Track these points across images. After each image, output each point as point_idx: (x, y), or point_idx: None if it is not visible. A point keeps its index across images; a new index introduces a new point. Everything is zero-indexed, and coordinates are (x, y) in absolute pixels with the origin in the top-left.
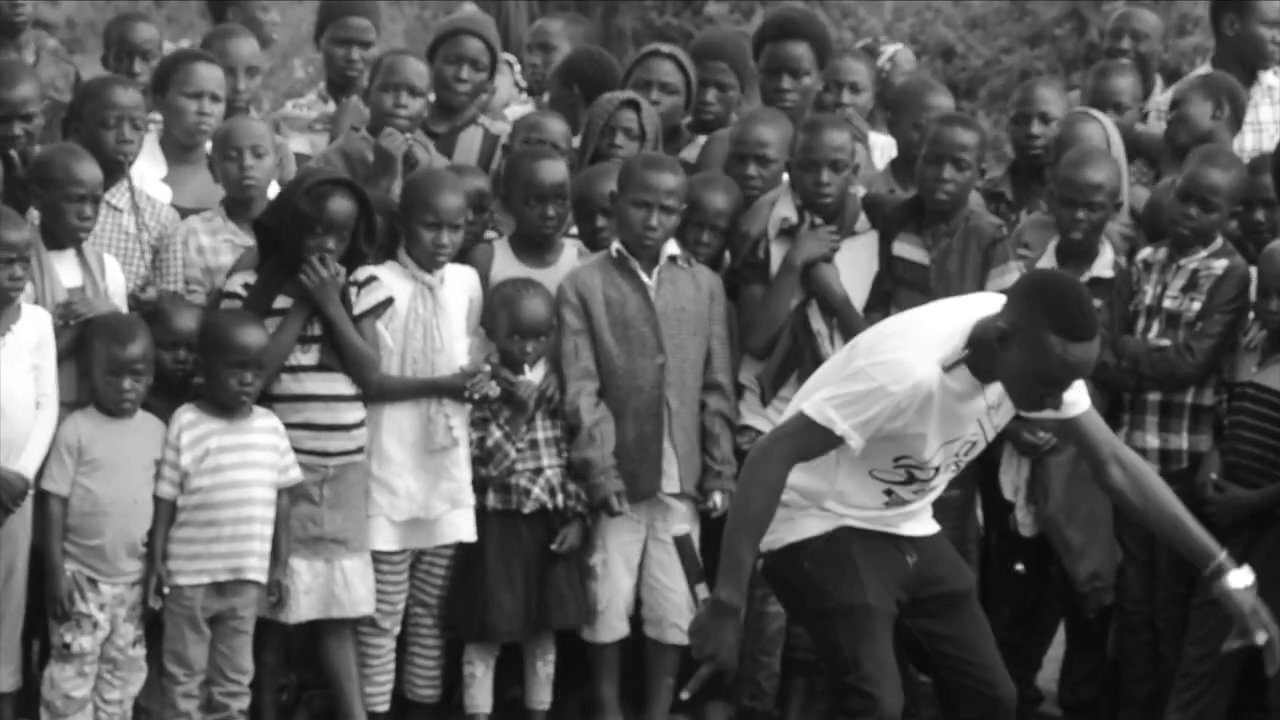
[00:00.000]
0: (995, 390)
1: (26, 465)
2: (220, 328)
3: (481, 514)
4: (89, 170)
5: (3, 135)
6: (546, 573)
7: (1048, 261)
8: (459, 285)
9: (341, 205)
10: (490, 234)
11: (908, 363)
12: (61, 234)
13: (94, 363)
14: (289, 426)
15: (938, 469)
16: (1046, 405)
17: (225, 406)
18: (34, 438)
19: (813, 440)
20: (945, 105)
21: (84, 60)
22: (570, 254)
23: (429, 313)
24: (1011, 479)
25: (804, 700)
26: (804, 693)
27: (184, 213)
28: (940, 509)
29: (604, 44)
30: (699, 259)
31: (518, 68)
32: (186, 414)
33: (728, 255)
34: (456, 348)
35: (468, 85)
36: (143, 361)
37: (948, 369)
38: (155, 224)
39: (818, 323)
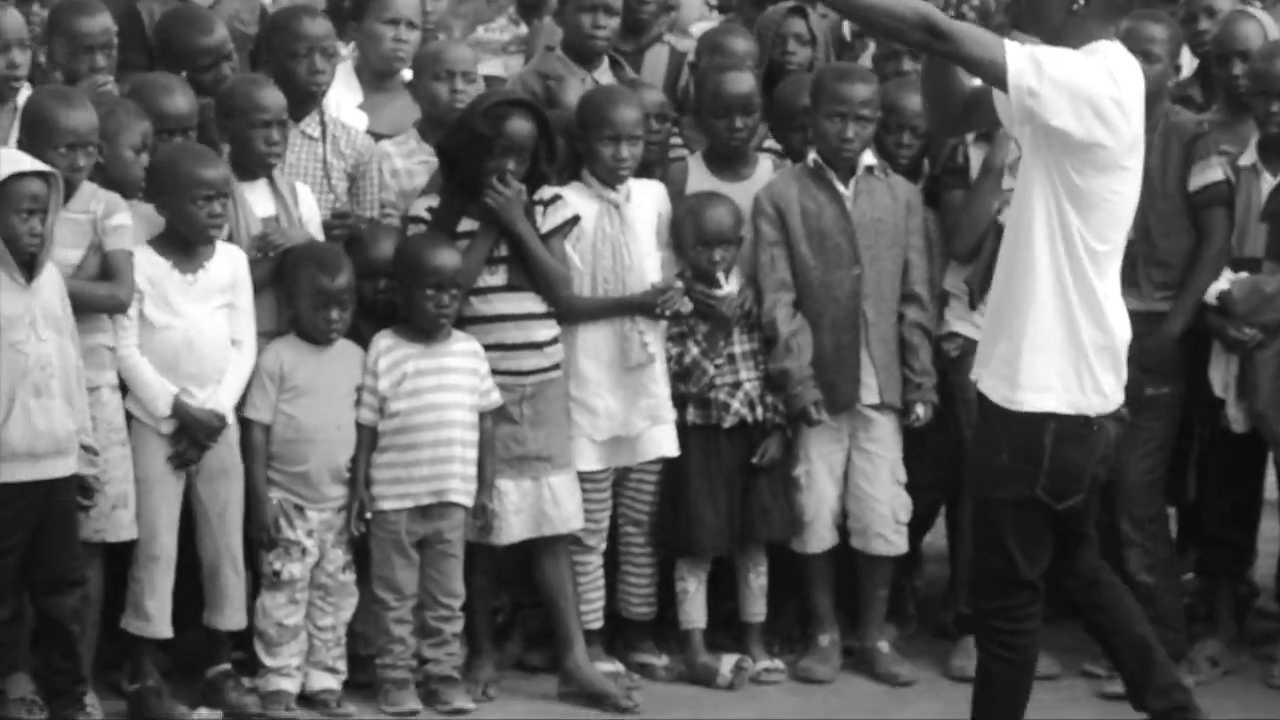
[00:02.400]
0: None
1: (222, 401)
2: (414, 251)
3: (682, 429)
4: (272, 96)
5: (213, 80)
6: (749, 486)
7: (1249, 158)
8: (646, 201)
9: (520, 125)
10: (682, 151)
11: None
12: (250, 162)
13: (299, 293)
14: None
15: None
16: None
17: (423, 330)
18: (229, 375)
19: None
20: None
21: None
22: (765, 167)
23: (616, 230)
24: (1221, 375)
25: None
26: None
27: (379, 138)
28: (1150, 406)
29: None
30: (899, 162)
31: None
32: (384, 339)
33: (926, 164)
34: (646, 264)
35: (651, 4)
36: (348, 291)
37: None
38: (351, 151)
39: None
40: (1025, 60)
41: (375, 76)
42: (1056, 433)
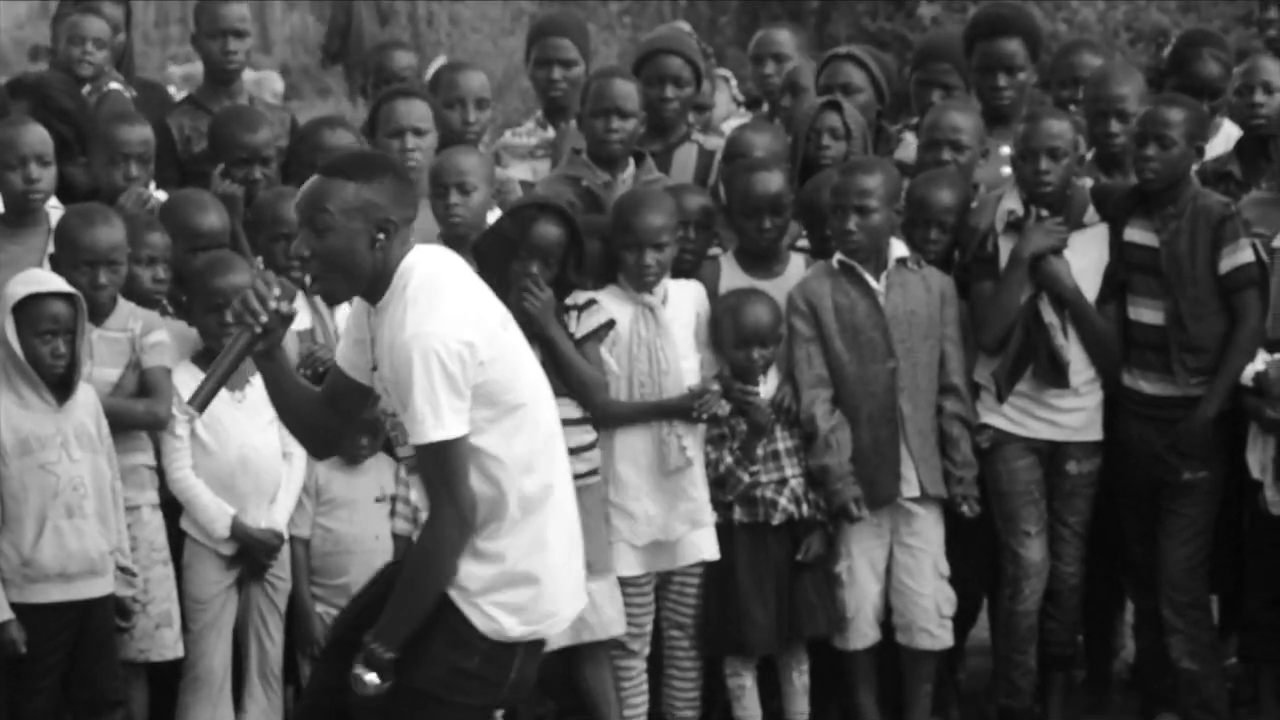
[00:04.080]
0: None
1: (277, 518)
2: None
3: (729, 528)
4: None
5: (246, 178)
6: (794, 583)
7: None
8: (684, 302)
9: (547, 230)
10: (714, 250)
11: None
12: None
13: None
14: None
15: None
16: None
17: None
18: (283, 489)
19: None
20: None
21: (299, 106)
22: (797, 264)
23: (652, 334)
24: (1258, 457)
25: (1063, 695)
26: (1063, 688)
27: None
28: (1187, 491)
29: (818, 51)
30: (928, 257)
31: (734, 82)
32: None
33: (957, 253)
34: (683, 367)
35: (674, 103)
36: (383, 415)
37: None
38: None
39: (1049, 315)
40: (446, 403)
41: None
42: (526, 649)
